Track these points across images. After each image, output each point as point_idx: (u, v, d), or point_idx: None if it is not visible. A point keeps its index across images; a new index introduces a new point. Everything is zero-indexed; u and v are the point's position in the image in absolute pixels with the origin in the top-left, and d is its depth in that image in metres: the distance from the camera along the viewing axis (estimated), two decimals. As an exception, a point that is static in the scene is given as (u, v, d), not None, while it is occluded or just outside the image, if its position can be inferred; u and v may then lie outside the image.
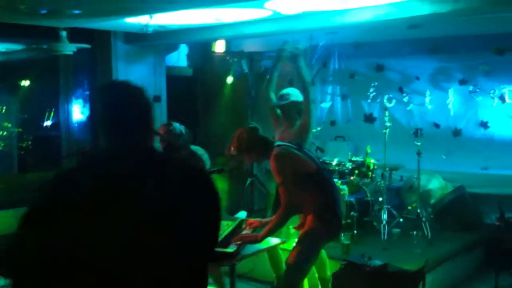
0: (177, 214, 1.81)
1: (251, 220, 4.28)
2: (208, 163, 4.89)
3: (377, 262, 4.10)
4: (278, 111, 5.18)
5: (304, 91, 5.02)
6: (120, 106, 1.93)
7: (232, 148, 4.03)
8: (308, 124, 5.00)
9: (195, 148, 4.98)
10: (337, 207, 4.05)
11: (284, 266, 4.51)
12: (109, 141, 1.92)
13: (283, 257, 4.78)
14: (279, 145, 4.00)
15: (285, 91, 5.22)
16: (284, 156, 3.90)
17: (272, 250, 4.58)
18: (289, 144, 4.10)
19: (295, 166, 3.91)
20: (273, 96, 5.25)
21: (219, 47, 8.23)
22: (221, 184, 7.79)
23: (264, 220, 4.27)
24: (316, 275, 4.75)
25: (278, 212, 3.94)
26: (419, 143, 6.31)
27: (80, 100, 7.93)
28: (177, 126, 4.84)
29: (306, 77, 5.02)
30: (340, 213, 4.08)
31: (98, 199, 1.76)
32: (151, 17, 5.73)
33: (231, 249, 3.69)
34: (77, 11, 5.46)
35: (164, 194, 1.81)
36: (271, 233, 3.96)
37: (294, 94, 5.10)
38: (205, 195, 1.93)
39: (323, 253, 4.70)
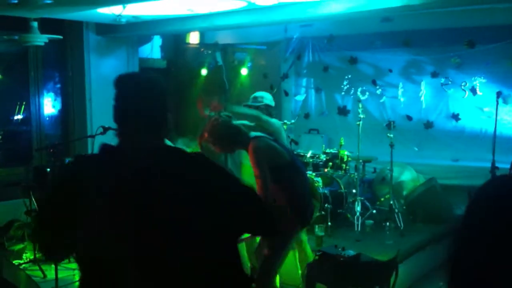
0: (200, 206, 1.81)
1: None
2: None
3: (351, 253, 4.13)
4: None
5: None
6: (130, 99, 1.92)
7: (205, 136, 4.01)
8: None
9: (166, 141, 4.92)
10: (309, 196, 4.16)
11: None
12: (121, 134, 1.91)
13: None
14: (257, 137, 4.00)
15: (258, 94, 5.33)
16: (263, 148, 3.91)
17: (249, 241, 4.57)
18: (265, 135, 4.11)
19: (273, 158, 3.92)
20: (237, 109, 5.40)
21: (193, 38, 8.18)
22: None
23: None
24: (300, 272, 4.77)
25: None
26: (391, 135, 6.37)
27: (51, 93, 7.80)
28: None
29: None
30: (310, 203, 4.16)
31: (110, 187, 1.79)
32: (124, 7, 5.65)
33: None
34: (48, 1, 5.36)
35: (179, 188, 1.80)
36: None
37: (267, 98, 5.24)
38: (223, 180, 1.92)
39: (307, 249, 4.73)
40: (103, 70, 7.56)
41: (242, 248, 5.17)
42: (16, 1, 5.28)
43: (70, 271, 5.39)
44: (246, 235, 4.08)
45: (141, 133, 1.89)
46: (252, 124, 5.35)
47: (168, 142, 4.83)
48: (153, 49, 8.57)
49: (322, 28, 7.62)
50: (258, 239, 4.43)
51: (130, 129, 1.90)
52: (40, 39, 6.49)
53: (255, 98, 5.29)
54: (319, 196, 5.99)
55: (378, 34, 7.50)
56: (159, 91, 1.95)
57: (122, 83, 1.94)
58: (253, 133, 4.10)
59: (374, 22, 7.08)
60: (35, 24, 6.45)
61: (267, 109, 5.21)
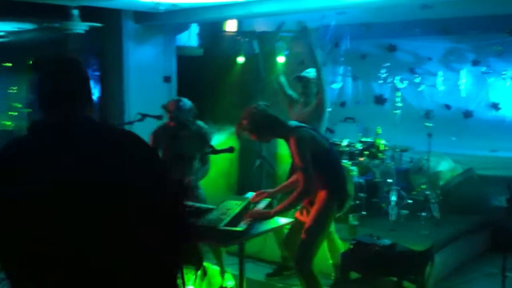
0: (119, 185, 1.79)
1: (260, 191, 4.35)
2: (212, 140, 4.90)
3: (386, 242, 4.13)
4: (293, 93, 5.34)
5: (317, 71, 5.15)
6: (51, 80, 1.90)
7: (243, 124, 4.05)
8: (323, 102, 5.16)
9: (201, 124, 4.95)
10: (345, 183, 4.22)
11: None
12: (44, 115, 1.90)
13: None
14: (297, 127, 4.03)
15: (305, 71, 5.41)
16: (305, 139, 3.95)
17: (278, 230, 4.62)
18: (305, 125, 4.14)
19: (314, 148, 3.97)
20: (282, 79, 5.45)
21: (230, 26, 8.20)
22: (229, 163, 7.84)
23: (272, 190, 4.37)
24: (330, 261, 4.80)
25: (297, 191, 3.97)
26: (430, 125, 6.29)
27: (93, 80, 7.96)
28: (186, 102, 4.82)
29: (317, 57, 5.13)
30: (346, 187, 4.24)
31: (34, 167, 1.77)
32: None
33: (240, 227, 3.72)
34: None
35: (103, 167, 1.79)
36: (285, 211, 4.02)
37: (312, 72, 5.27)
38: (149, 162, 1.91)
39: (337, 239, 4.76)
40: (140, 58, 7.67)
41: (271, 237, 5.23)
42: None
43: None
44: (278, 224, 4.15)
45: (61, 111, 1.89)
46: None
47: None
48: (190, 37, 8.62)
49: (360, 16, 7.53)
50: (287, 227, 4.48)
51: (50, 108, 1.90)
52: (81, 26, 6.65)
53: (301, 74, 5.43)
54: (353, 185, 5.98)
55: (417, 21, 7.38)
56: (80, 71, 1.96)
57: (44, 65, 1.94)
58: (293, 123, 4.13)
59: (413, 9, 6.95)
60: (76, 12, 6.60)
61: (314, 82, 5.34)
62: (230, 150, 4.43)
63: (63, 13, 6.70)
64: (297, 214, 4.38)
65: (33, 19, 7.44)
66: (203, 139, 4.75)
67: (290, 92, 5.64)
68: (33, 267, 1.73)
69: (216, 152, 4.30)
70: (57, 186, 1.74)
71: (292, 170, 4.83)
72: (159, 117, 5.00)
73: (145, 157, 1.90)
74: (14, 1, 6.19)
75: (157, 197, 1.87)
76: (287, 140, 4.02)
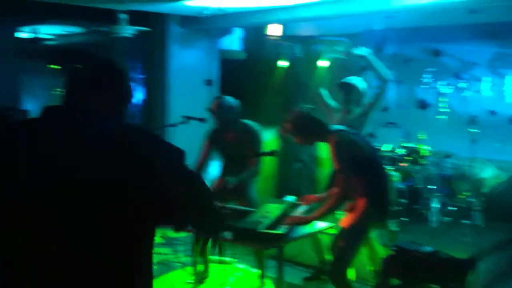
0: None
1: (309, 196, 4.37)
2: (261, 138, 4.86)
3: (428, 249, 4.09)
4: (333, 103, 5.36)
5: (381, 80, 5.32)
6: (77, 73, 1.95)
7: (286, 128, 4.10)
8: (369, 113, 5.18)
9: (248, 121, 4.93)
10: (388, 189, 4.14)
11: (325, 251, 4.66)
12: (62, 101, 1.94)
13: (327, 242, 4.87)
14: (338, 131, 4.04)
15: (347, 78, 5.42)
16: (344, 143, 3.95)
17: (314, 235, 4.63)
18: (346, 129, 4.15)
19: (354, 152, 3.95)
20: (322, 90, 5.50)
21: (273, 30, 8.24)
22: (269, 166, 7.88)
23: (320, 195, 4.37)
24: (370, 267, 4.79)
25: (334, 196, 3.99)
26: (473, 131, 6.19)
27: (135, 83, 8.13)
28: (227, 99, 4.85)
29: (382, 74, 5.19)
30: (389, 196, 4.15)
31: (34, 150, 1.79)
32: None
33: (280, 231, 3.77)
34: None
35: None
36: (323, 215, 4.03)
37: (357, 80, 5.30)
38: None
39: (377, 245, 4.74)
40: (185, 61, 7.81)
41: (308, 241, 5.22)
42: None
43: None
44: (318, 228, 4.17)
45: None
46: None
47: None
48: (233, 41, 8.72)
49: (404, 20, 7.46)
50: (332, 231, 4.49)
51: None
52: (128, 30, 6.82)
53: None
54: (394, 191, 5.94)
55: (463, 26, 7.26)
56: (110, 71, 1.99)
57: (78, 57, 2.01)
58: (335, 126, 4.15)
59: (460, 13, 6.85)
60: (124, 16, 6.77)
61: (356, 91, 5.43)
62: (271, 153, 4.49)
63: (111, 17, 6.89)
64: (340, 222, 4.38)
65: (82, 23, 7.67)
66: (250, 138, 4.73)
67: (330, 102, 5.65)
68: (33, 267, 1.75)
69: (257, 155, 4.35)
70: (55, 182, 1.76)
71: (334, 175, 4.83)
72: (202, 120, 5.08)
73: (150, 159, 1.83)
74: (63, 5, 6.40)
75: (159, 197, 1.83)
76: (327, 143, 4.05)
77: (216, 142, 4.89)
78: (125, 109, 2.02)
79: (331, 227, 4.32)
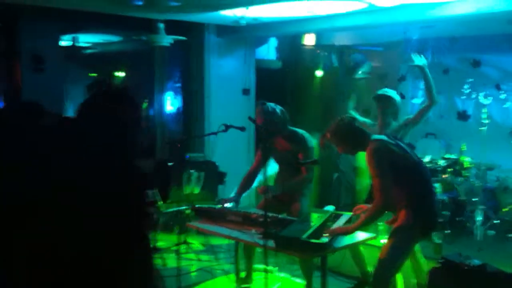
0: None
1: (360, 205, 4.30)
2: (312, 144, 4.77)
3: (476, 262, 3.97)
4: (367, 120, 5.32)
5: (429, 99, 5.31)
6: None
7: (328, 137, 4.04)
8: (408, 130, 5.25)
9: (297, 129, 4.84)
10: (434, 202, 4.00)
11: (366, 262, 4.63)
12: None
13: (366, 254, 4.77)
14: (377, 139, 3.96)
15: (383, 90, 5.35)
16: (381, 151, 3.85)
17: (354, 246, 4.54)
18: (386, 138, 4.05)
19: (392, 160, 3.85)
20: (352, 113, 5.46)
21: (309, 40, 8.21)
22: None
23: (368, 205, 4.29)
24: (414, 280, 4.67)
25: (373, 206, 3.90)
26: (517, 142, 6.05)
27: (173, 92, 8.19)
28: (270, 105, 4.78)
29: (433, 92, 5.13)
30: (436, 210, 4.01)
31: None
32: (247, 8, 5.80)
33: (323, 240, 3.70)
34: (176, 3, 5.64)
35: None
36: (363, 226, 3.93)
37: (392, 93, 5.22)
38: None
39: (421, 258, 4.62)
40: (222, 70, 7.82)
41: (348, 253, 5.11)
42: (141, 3, 5.57)
43: (188, 261, 5.66)
44: (361, 239, 4.08)
45: None
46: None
47: None
48: (269, 50, 8.72)
49: (443, 29, 7.36)
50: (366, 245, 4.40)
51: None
52: (166, 40, 6.86)
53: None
54: (438, 203, 5.82)
55: (504, 35, 7.14)
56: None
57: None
58: (375, 136, 4.07)
59: (500, 23, 6.72)
60: (162, 25, 6.82)
61: (393, 105, 5.32)
62: (314, 162, 4.43)
63: (149, 26, 6.95)
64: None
65: (121, 32, 7.75)
66: (301, 145, 4.66)
67: (362, 119, 5.55)
68: (33, 266, 1.81)
69: (300, 164, 4.29)
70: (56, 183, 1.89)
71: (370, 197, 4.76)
72: (242, 128, 5.03)
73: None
74: (103, 14, 6.48)
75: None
76: (366, 151, 3.97)
77: (268, 151, 4.82)
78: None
79: (371, 238, 4.23)
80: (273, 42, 8.73)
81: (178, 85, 8.16)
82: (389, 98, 5.34)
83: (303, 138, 4.71)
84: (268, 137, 4.65)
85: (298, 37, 8.37)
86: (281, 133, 4.72)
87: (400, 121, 5.38)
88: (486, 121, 6.20)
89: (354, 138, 4.00)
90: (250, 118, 4.60)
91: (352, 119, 4.12)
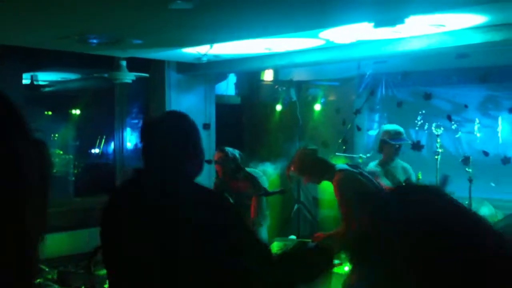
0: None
1: (318, 233, 4.41)
2: (266, 184, 4.98)
3: None
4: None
5: None
6: (153, 136, 2.13)
7: (292, 169, 4.18)
8: None
9: (251, 170, 5.08)
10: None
11: None
12: (145, 167, 2.13)
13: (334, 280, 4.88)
14: (342, 169, 4.12)
15: (398, 128, 5.47)
16: (347, 180, 4.02)
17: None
18: (350, 168, 4.22)
19: (358, 189, 4.02)
20: None
21: (268, 76, 8.44)
22: (270, 207, 7.91)
23: (328, 233, 4.41)
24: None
25: (337, 231, 4.04)
26: (470, 170, 6.33)
27: (133, 128, 8.20)
28: (230, 151, 4.98)
29: None
30: None
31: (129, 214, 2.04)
32: (211, 47, 5.95)
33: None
34: (138, 41, 5.73)
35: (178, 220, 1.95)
36: (326, 241, 4.06)
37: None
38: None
39: None
40: (182, 106, 7.89)
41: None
42: (104, 41, 5.66)
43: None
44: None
45: (160, 169, 2.10)
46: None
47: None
48: (228, 86, 8.89)
49: (396, 64, 7.70)
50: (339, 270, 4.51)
51: (152, 165, 2.12)
52: (128, 77, 6.91)
53: (399, 133, 5.57)
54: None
55: (454, 69, 7.53)
56: (180, 133, 2.14)
57: (149, 127, 2.19)
58: (339, 166, 4.24)
59: (450, 57, 7.10)
60: (124, 62, 6.88)
61: None
62: (281, 192, 4.56)
63: (110, 62, 6.99)
64: None
65: (81, 70, 7.76)
66: (253, 184, 4.85)
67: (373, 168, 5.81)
68: None
69: (268, 194, 4.41)
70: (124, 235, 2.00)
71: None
72: (208, 162, 5.15)
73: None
74: (63, 52, 6.50)
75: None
76: (331, 182, 4.12)
77: (223, 191, 4.98)
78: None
79: (336, 265, 4.35)
80: (232, 78, 8.91)
81: (136, 121, 8.19)
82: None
83: (257, 179, 4.93)
84: (227, 180, 4.83)
85: (256, 73, 8.58)
86: (237, 177, 4.89)
87: None
88: (439, 151, 6.47)
89: (318, 168, 4.15)
90: (208, 161, 4.77)
91: (313, 150, 4.27)
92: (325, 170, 4.15)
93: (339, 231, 4.41)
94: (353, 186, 4.03)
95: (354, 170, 4.25)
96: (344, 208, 3.99)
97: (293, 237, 4.63)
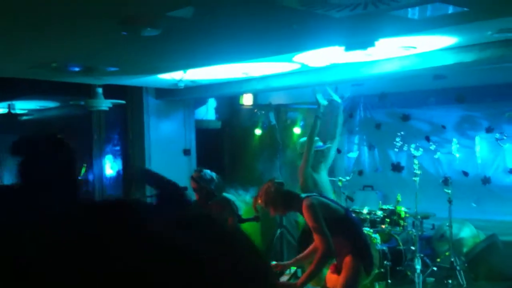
0: None
1: (278, 263, 4.38)
2: (240, 210, 4.97)
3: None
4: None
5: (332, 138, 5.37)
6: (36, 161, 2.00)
7: (259, 201, 4.22)
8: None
9: (227, 195, 5.06)
10: (369, 248, 4.33)
11: None
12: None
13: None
14: (308, 196, 4.17)
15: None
16: (315, 205, 4.07)
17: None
18: (316, 194, 4.29)
19: (327, 212, 4.07)
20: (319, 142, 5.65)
21: (247, 100, 8.43)
22: (252, 231, 7.84)
23: (286, 263, 4.42)
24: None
25: (316, 258, 4.00)
26: (449, 191, 6.33)
27: (112, 155, 8.13)
28: (208, 172, 4.97)
29: (340, 126, 5.37)
30: (371, 253, 4.34)
31: None
32: (185, 72, 5.94)
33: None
34: (113, 69, 5.71)
35: None
36: (309, 279, 4.03)
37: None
38: None
39: None
40: (161, 131, 7.87)
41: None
42: (78, 69, 5.64)
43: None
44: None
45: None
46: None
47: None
48: (208, 111, 8.87)
49: (373, 87, 7.74)
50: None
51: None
52: (105, 104, 6.86)
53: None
54: (378, 253, 5.96)
55: (431, 91, 7.58)
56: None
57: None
58: (304, 194, 4.29)
59: (426, 79, 7.15)
60: (100, 90, 6.84)
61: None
62: (255, 219, 4.52)
63: (87, 90, 6.95)
64: (327, 283, 4.38)
65: (58, 98, 7.71)
66: (229, 209, 4.82)
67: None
68: None
69: (242, 221, 4.37)
70: None
71: (302, 240, 4.94)
72: (184, 188, 5.10)
73: None
74: (39, 81, 6.46)
75: None
76: (301, 212, 4.16)
77: None
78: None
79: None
80: (212, 102, 8.89)
81: (117, 148, 8.13)
82: None
83: (233, 204, 4.94)
84: (204, 203, 4.80)
85: (236, 97, 8.58)
86: (215, 200, 4.86)
87: None
88: (418, 172, 6.47)
89: (282, 200, 4.23)
90: (183, 188, 4.71)
91: (280, 183, 4.32)
92: (290, 202, 4.23)
93: (302, 256, 4.43)
94: (321, 209, 4.09)
95: (319, 196, 4.35)
96: (317, 231, 4.00)
97: (272, 263, 4.56)
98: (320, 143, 5.47)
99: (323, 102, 5.43)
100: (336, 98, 5.54)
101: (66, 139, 2.14)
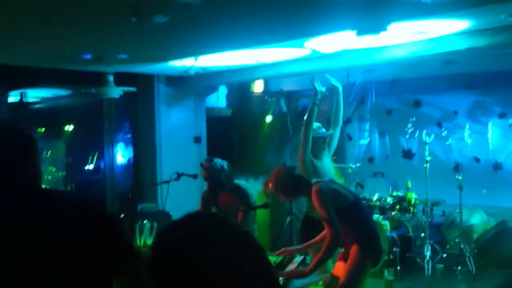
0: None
1: (287, 248, 4.37)
2: (253, 197, 4.95)
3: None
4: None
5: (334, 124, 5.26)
6: None
7: (270, 186, 4.19)
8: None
9: (239, 182, 5.06)
10: (378, 237, 4.22)
11: None
12: None
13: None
14: (318, 181, 4.13)
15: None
16: (324, 191, 4.03)
17: (313, 286, 4.61)
18: (326, 180, 4.25)
19: (336, 199, 4.03)
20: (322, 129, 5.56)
21: (258, 87, 8.43)
22: (262, 220, 7.87)
23: (296, 247, 4.39)
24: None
25: (325, 245, 4.00)
26: (460, 177, 6.31)
27: (123, 143, 8.17)
28: (218, 162, 4.96)
29: (341, 111, 5.31)
30: (380, 243, 4.22)
31: None
32: (196, 59, 5.94)
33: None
34: (124, 56, 5.74)
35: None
36: (318, 266, 4.02)
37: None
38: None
39: None
40: (172, 119, 7.90)
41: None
42: (89, 57, 5.67)
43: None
44: (315, 279, 4.15)
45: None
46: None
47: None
48: (218, 98, 8.87)
49: (384, 73, 7.70)
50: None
51: None
52: (116, 91, 6.88)
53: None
54: (387, 240, 5.97)
55: (442, 76, 7.51)
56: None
57: None
58: (314, 179, 4.25)
59: (437, 65, 7.11)
60: (111, 77, 6.86)
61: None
62: (265, 206, 4.53)
63: (98, 78, 6.98)
64: (334, 271, 4.38)
65: (69, 86, 7.75)
66: (240, 197, 4.81)
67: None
68: None
69: (252, 208, 4.39)
70: None
71: (304, 228, 4.93)
72: (194, 176, 5.12)
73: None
74: (51, 69, 6.49)
75: None
76: (310, 197, 4.13)
77: (211, 204, 4.96)
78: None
79: (323, 279, 4.31)
80: (223, 90, 8.89)
81: (129, 136, 8.17)
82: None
83: (245, 192, 4.91)
84: (215, 192, 4.81)
85: (247, 84, 8.58)
86: (225, 189, 4.86)
87: None
88: (429, 158, 6.45)
89: (294, 185, 4.18)
90: (201, 165, 4.73)
91: (291, 167, 4.29)
92: (301, 187, 4.19)
93: (312, 243, 4.41)
94: (330, 195, 4.05)
95: (329, 181, 4.31)
96: (326, 218, 3.98)
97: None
98: (323, 130, 5.41)
99: (321, 88, 5.37)
100: (335, 82, 5.47)
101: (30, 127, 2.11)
